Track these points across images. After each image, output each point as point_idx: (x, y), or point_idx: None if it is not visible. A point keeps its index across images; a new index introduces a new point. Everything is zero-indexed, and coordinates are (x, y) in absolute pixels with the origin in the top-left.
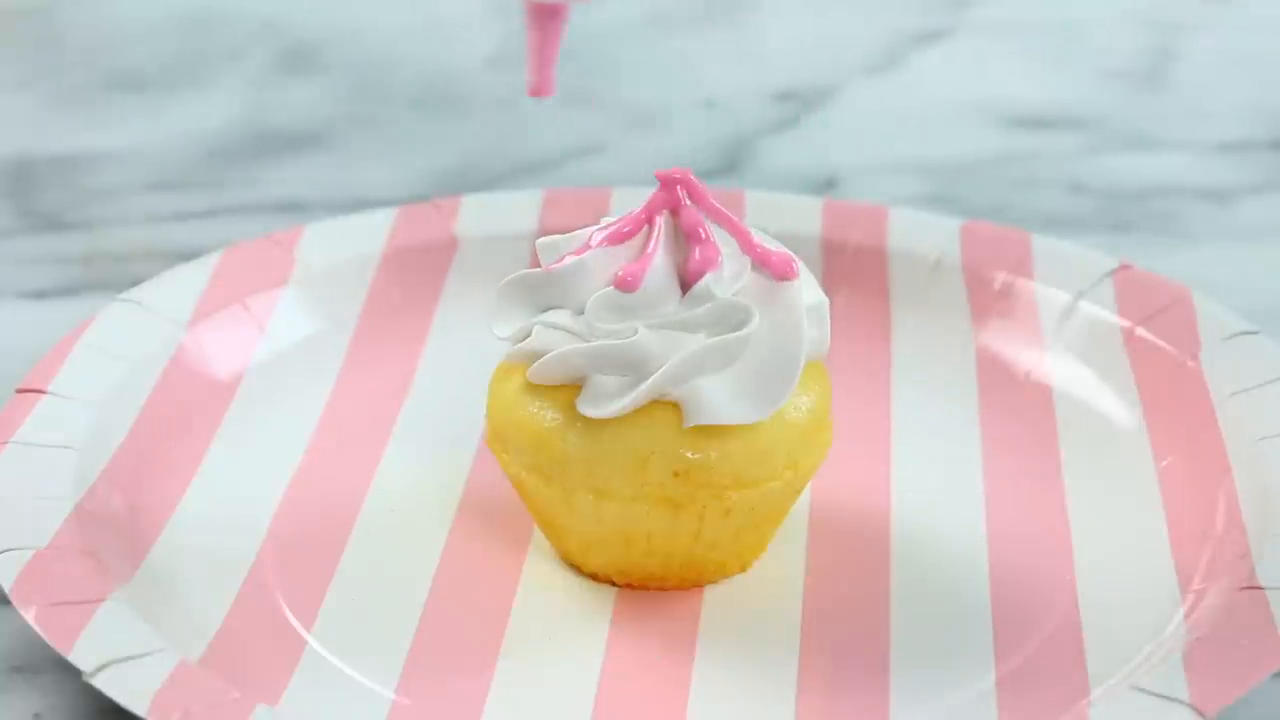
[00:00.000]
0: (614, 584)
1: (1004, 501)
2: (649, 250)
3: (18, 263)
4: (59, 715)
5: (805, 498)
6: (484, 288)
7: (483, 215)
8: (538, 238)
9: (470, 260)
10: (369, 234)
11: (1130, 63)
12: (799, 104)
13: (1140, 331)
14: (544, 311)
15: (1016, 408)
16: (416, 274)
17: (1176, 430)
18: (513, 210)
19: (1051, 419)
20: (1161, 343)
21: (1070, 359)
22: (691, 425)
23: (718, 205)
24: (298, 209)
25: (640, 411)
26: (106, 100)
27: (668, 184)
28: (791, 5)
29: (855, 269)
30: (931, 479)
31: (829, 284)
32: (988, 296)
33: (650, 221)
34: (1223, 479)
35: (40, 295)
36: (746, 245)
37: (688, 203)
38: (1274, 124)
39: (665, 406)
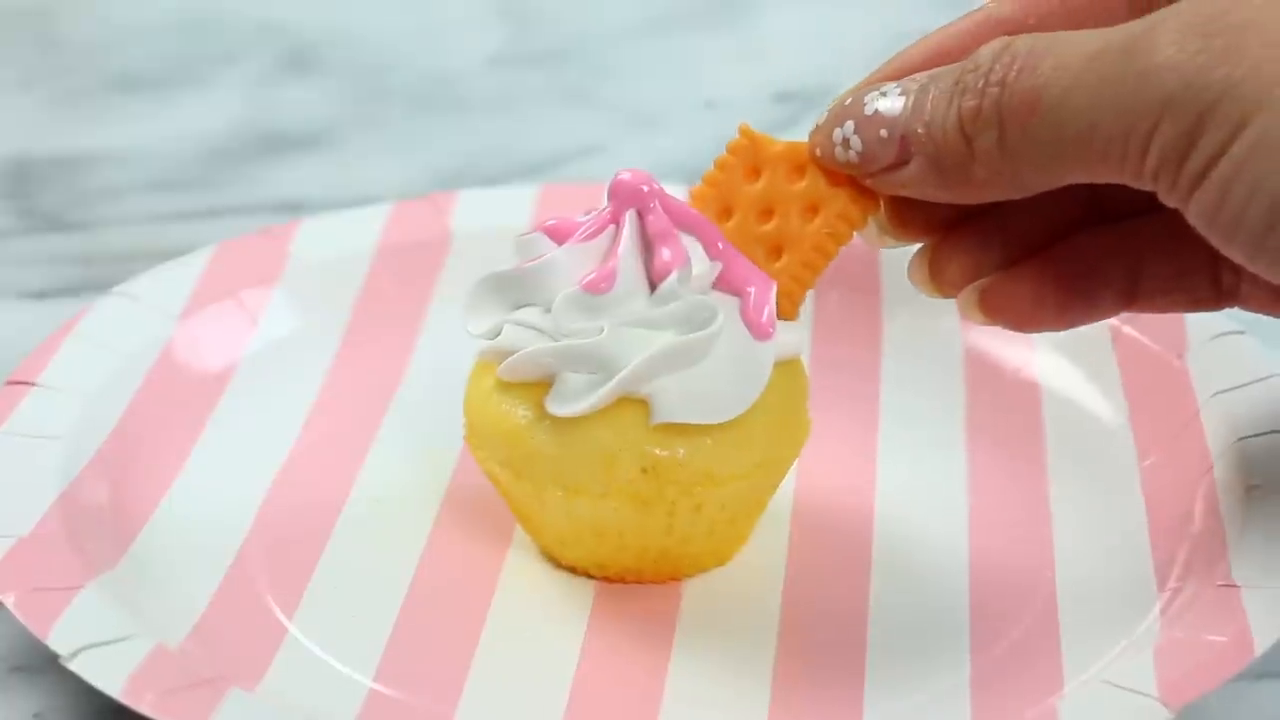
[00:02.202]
0: (592, 577)
1: (987, 498)
2: (616, 250)
3: (18, 263)
4: (59, 715)
5: (789, 491)
6: None
7: (478, 211)
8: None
9: (465, 256)
10: (364, 229)
11: None
12: (799, 104)
13: (1128, 330)
14: (516, 309)
15: (1004, 405)
16: (411, 269)
17: (1160, 429)
18: (508, 206)
19: (1038, 416)
20: (1148, 341)
21: (1058, 357)
22: (658, 423)
23: (683, 206)
24: (297, 209)
25: (608, 409)
26: (106, 100)
27: (622, 194)
28: (791, 5)
29: (846, 266)
30: (917, 474)
31: (820, 281)
32: None
33: (617, 221)
34: (1203, 478)
35: (40, 295)
36: (712, 247)
37: (654, 204)
38: None
39: (634, 404)
